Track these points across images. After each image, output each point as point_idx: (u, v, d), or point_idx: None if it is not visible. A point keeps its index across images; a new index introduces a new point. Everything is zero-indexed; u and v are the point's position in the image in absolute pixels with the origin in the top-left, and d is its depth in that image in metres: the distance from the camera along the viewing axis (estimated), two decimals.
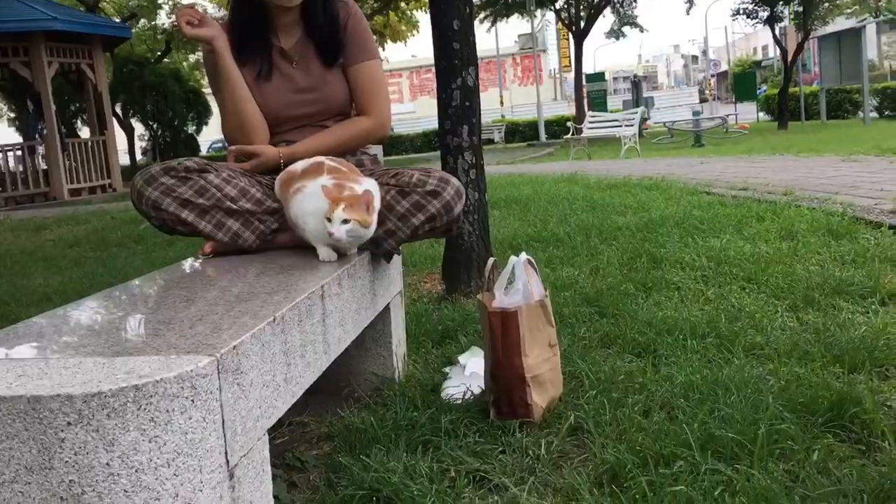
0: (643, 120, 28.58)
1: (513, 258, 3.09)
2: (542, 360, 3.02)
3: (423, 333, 4.13)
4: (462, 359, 3.55)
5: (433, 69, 5.14)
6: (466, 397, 3.14)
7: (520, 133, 42.05)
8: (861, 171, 9.94)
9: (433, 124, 35.10)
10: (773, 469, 2.30)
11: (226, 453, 1.72)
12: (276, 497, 2.40)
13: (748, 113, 39.76)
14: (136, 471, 1.54)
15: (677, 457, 2.40)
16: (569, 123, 25.47)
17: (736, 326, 3.73)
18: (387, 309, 3.34)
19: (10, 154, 20.95)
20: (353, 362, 3.37)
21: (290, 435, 3.07)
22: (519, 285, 3.08)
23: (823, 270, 4.71)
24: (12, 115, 35.78)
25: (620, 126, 21.75)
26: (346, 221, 2.65)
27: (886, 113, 32.29)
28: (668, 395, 2.94)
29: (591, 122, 23.12)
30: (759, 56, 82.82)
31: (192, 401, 1.62)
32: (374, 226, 2.78)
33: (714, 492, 2.18)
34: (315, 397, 3.24)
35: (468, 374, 3.38)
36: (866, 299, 4.14)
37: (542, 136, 37.85)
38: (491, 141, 38.27)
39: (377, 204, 2.82)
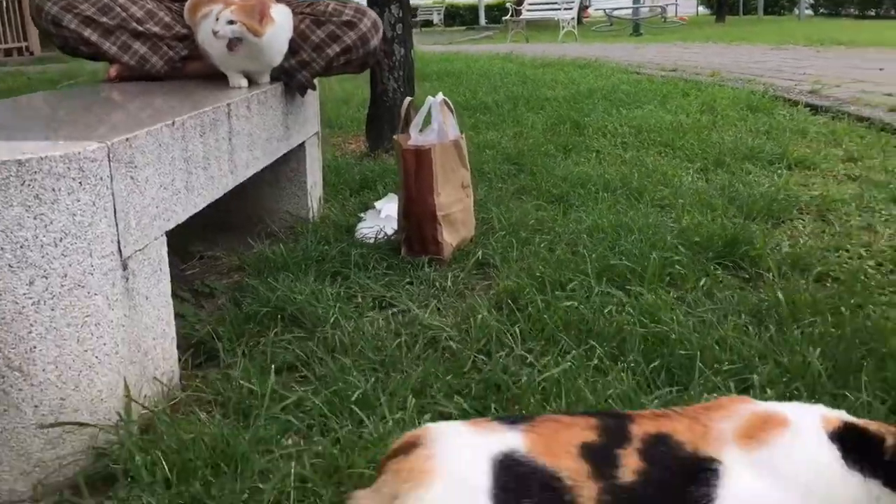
0: (583, 7, 28.15)
1: (429, 98, 3.07)
2: (454, 199, 3.06)
3: (343, 183, 4.13)
4: (378, 204, 3.57)
5: None
6: (379, 237, 3.17)
7: (460, 17, 41.03)
8: (787, 57, 10.10)
9: None
10: (663, 293, 2.42)
11: (118, 243, 1.72)
12: (182, 316, 2.43)
13: (689, 6, 39.55)
14: (20, 247, 1.53)
15: (574, 282, 2.50)
16: (508, 4, 24.93)
17: (647, 182, 3.83)
18: (302, 148, 3.31)
19: None
20: (267, 200, 3.35)
21: (201, 267, 3.07)
22: (434, 125, 3.08)
23: (737, 139, 4.84)
24: None
25: (559, 9, 21.41)
26: (231, 22, 2.58)
27: (822, 11, 32.57)
28: (573, 236, 3.03)
29: (530, 4, 22.69)
30: None
31: (80, 183, 1.60)
32: (273, 43, 2.71)
33: (604, 309, 2.28)
34: (228, 234, 3.25)
35: (383, 216, 3.40)
36: (773, 164, 4.29)
37: (482, 19, 37.09)
38: (430, 23, 37.30)
39: (284, 25, 2.75)
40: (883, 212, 3.42)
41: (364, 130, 5.27)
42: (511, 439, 1.22)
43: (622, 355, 2.03)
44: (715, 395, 1.78)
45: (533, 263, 2.74)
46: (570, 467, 1.18)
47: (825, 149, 4.61)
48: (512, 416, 1.34)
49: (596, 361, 1.97)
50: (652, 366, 1.95)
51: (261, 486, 1.58)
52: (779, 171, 4.15)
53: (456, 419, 1.83)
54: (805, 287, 2.48)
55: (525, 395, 1.84)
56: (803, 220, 3.34)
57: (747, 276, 2.66)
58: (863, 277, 2.61)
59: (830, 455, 1.17)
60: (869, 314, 2.22)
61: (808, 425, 1.21)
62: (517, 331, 2.21)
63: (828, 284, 2.58)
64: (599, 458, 1.19)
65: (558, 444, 1.21)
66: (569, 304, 2.30)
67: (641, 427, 1.23)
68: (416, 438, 1.26)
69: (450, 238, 3.01)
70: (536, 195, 3.73)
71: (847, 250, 2.94)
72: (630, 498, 1.17)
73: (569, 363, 1.95)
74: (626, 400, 1.81)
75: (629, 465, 1.18)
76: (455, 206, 3.06)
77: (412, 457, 1.22)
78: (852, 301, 2.31)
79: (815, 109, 5.78)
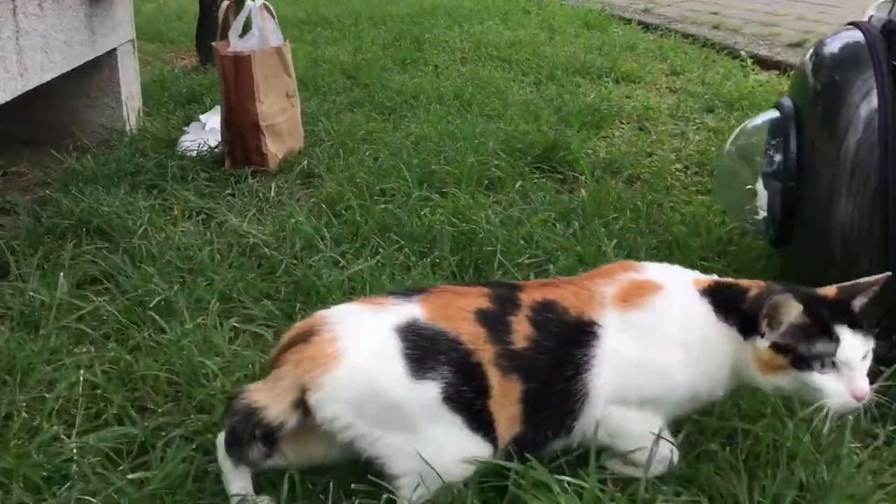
0: None
1: (248, 3, 2.94)
2: (278, 109, 2.98)
3: (169, 97, 3.92)
4: (203, 117, 3.42)
5: None
6: (202, 150, 3.05)
7: None
8: None
9: None
10: (481, 196, 2.48)
11: None
12: None
13: None
14: None
15: (394, 188, 2.51)
16: None
17: (480, 94, 3.86)
18: (113, 56, 3.10)
19: None
20: (78, 113, 3.14)
21: (4, 184, 2.86)
22: (255, 31, 2.96)
23: (571, 55, 4.94)
24: None
25: None
26: None
27: None
28: (400, 145, 3.02)
29: None
30: None
31: None
32: None
33: (420, 210, 2.31)
34: (35, 148, 3.03)
35: (208, 129, 3.26)
36: (602, 78, 4.42)
37: None
38: None
39: None
40: (696, 120, 3.61)
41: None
42: (409, 310, 1.25)
43: (431, 253, 2.06)
44: None
45: (357, 172, 2.72)
46: (468, 331, 1.23)
47: (651, 63, 4.79)
48: (405, 290, 1.35)
49: (402, 258, 2.00)
50: (455, 259, 1.99)
51: (46, 395, 1.52)
52: (606, 84, 4.28)
53: (262, 322, 1.83)
54: (614, 187, 2.59)
55: (331, 294, 1.85)
56: (623, 129, 3.47)
57: (563, 178, 2.75)
58: (668, 178, 2.76)
59: (700, 309, 1.27)
60: (664, 209, 2.35)
61: (679, 286, 1.31)
62: (332, 235, 2.21)
63: (636, 185, 2.72)
64: (494, 323, 1.25)
65: (455, 311, 1.25)
66: (383, 207, 2.30)
67: (530, 295, 1.30)
68: (310, 327, 1.26)
69: (275, 149, 2.93)
70: (369, 108, 3.69)
71: (658, 155, 3.10)
72: (523, 362, 1.23)
73: (374, 261, 1.96)
74: None
75: (521, 330, 1.24)
76: (279, 115, 2.97)
77: (313, 344, 1.22)
78: (650, 198, 2.44)
79: (646, 27, 5.97)
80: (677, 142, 3.26)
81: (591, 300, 1.28)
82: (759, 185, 1.76)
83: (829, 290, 1.26)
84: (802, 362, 1.19)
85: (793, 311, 1.19)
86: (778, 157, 1.63)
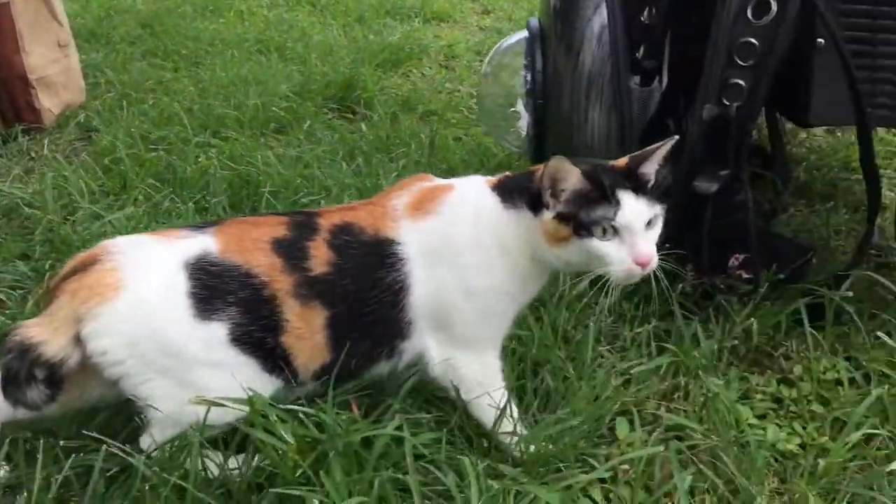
0: None
1: None
2: (49, 60, 2.75)
3: None
4: None
5: None
6: None
7: None
8: None
9: None
10: (270, 139, 2.40)
11: None
12: None
13: None
14: None
15: (172, 136, 2.39)
16: None
17: (283, 38, 3.73)
18: None
19: None
20: None
21: None
22: None
23: None
24: None
25: None
26: None
27: None
28: (190, 94, 2.88)
29: None
30: None
31: None
32: None
33: (196, 157, 2.21)
34: None
35: None
36: (412, 19, 4.39)
37: None
38: None
39: None
40: None
41: None
42: (201, 242, 1.17)
43: (204, 199, 1.98)
44: None
45: (135, 123, 2.56)
46: (263, 263, 1.17)
47: (463, 3, 4.80)
48: (200, 223, 1.28)
49: (169, 205, 1.90)
50: (227, 201, 1.93)
51: None
52: (416, 24, 4.25)
53: (10, 284, 1.70)
54: (407, 123, 2.58)
55: (88, 245, 1.73)
56: (427, 68, 3.46)
57: (357, 117, 2.71)
58: (465, 112, 2.79)
59: (489, 203, 1.23)
60: (449, 142, 2.36)
61: (471, 186, 1.27)
62: (101, 189, 2.08)
63: (431, 120, 2.72)
64: (290, 252, 1.18)
65: (249, 242, 1.19)
66: (156, 156, 2.19)
67: (328, 220, 1.24)
68: (92, 257, 1.16)
69: (49, 104, 2.71)
70: (162, 57, 3.49)
71: (460, 91, 3.11)
72: (326, 289, 1.18)
73: (140, 209, 1.87)
74: None
75: (319, 256, 1.19)
76: (51, 67, 2.75)
77: (91, 273, 1.13)
78: (440, 132, 2.44)
79: None
80: (477, 78, 3.29)
81: (384, 216, 1.24)
82: (520, 106, 1.78)
83: (620, 161, 1.24)
84: (583, 229, 1.16)
85: (570, 177, 1.16)
86: (529, 77, 1.65)
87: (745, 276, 1.60)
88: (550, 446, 1.24)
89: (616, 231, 1.17)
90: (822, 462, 1.27)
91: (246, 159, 2.17)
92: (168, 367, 1.14)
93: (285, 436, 1.10)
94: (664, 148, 1.21)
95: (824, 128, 2.54)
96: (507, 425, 1.24)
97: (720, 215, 1.49)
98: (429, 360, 1.25)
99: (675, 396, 1.44)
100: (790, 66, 1.53)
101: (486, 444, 1.27)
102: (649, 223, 1.19)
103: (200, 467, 1.13)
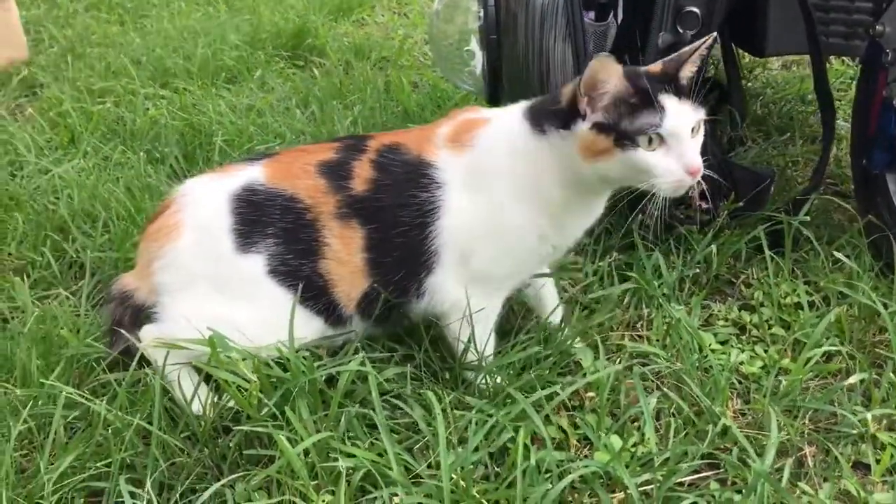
0: None
1: None
2: None
3: None
4: None
5: None
6: None
7: None
8: None
9: None
10: (223, 89, 2.34)
11: None
12: None
13: None
14: None
15: (121, 89, 2.32)
16: None
17: None
18: None
19: None
20: None
21: None
22: None
23: None
24: None
25: None
26: None
27: None
28: (138, 47, 2.79)
29: None
30: None
31: None
32: None
33: (146, 109, 2.15)
34: None
35: None
36: None
37: None
38: None
39: None
40: None
41: None
42: (250, 173, 1.20)
43: (156, 149, 1.93)
44: None
45: (85, 77, 2.48)
46: (307, 186, 1.18)
47: None
48: (260, 153, 1.33)
49: (119, 157, 1.85)
50: (168, 150, 1.88)
51: None
52: None
53: None
54: (361, 70, 2.53)
55: (28, 203, 1.68)
56: (381, 15, 3.39)
57: (309, 65, 2.65)
58: (419, 57, 2.74)
59: (521, 131, 1.17)
60: (404, 87, 2.31)
61: (507, 115, 1.22)
62: (49, 144, 2.01)
63: (385, 66, 2.67)
64: (335, 173, 1.19)
65: (297, 168, 1.20)
66: (101, 108, 2.12)
67: (378, 141, 1.23)
68: (168, 202, 1.24)
69: None
70: (107, 10, 3.37)
71: (412, 37, 3.05)
72: (364, 206, 1.17)
73: (90, 162, 1.81)
74: (153, 189, 1.73)
75: (361, 174, 1.18)
76: None
77: (161, 218, 1.21)
78: (394, 78, 2.39)
79: None
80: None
81: (428, 141, 1.22)
82: (474, 44, 1.75)
83: (653, 66, 1.15)
84: (627, 139, 1.07)
85: (612, 77, 1.08)
86: (481, 13, 1.62)
87: (705, 206, 1.61)
88: (516, 376, 1.24)
89: (662, 139, 1.09)
90: (783, 381, 1.29)
91: (197, 109, 2.11)
92: (224, 297, 1.17)
93: (248, 374, 1.08)
94: (701, 48, 1.13)
95: (780, 62, 2.55)
96: (472, 356, 1.24)
97: None
98: (442, 296, 1.22)
99: (639, 326, 1.45)
100: None
101: (451, 378, 1.26)
102: (694, 129, 1.12)
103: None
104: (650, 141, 1.08)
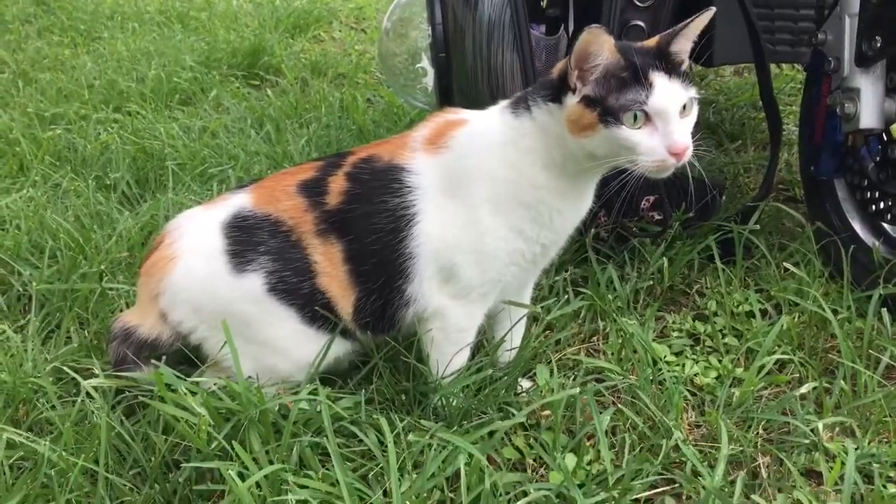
0: None
1: None
2: None
3: None
4: None
5: None
6: None
7: None
8: None
9: None
10: (177, 111, 2.32)
11: None
12: None
13: None
14: None
15: (72, 114, 2.28)
16: None
17: (185, 8, 3.60)
18: None
19: None
20: None
21: None
22: None
23: None
24: None
25: None
26: None
27: None
28: (90, 70, 2.76)
29: None
30: None
31: None
32: None
33: (97, 134, 2.12)
34: None
35: None
36: None
37: None
38: None
39: None
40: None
41: None
42: (237, 201, 1.20)
43: (106, 176, 1.90)
44: (194, 197, 1.75)
45: (36, 102, 2.45)
46: (288, 207, 1.18)
47: None
48: (246, 182, 1.32)
49: (65, 183, 1.82)
50: (118, 175, 1.86)
51: None
52: None
53: None
54: (318, 87, 2.52)
55: None
56: (338, 31, 3.39)
57: (265, 84, 2.64)
58: (376, 74, 2.74)
59: (500, 121, 1.16)
60: (358, 104, 2.31)
61: (487, 114, 1.20)
62: None
63: (341, 83, 2.66)
64: (312, 190, 1.19)
65: (279, 190, 1.20)
66: (51, 134, 2.09)
67: (357, 155, 1.22)
68: (162, 236, 1.23)
69: None
70: (59, 33, 3.33)
71: (368, 53, 3.05)
72: (339, 219, 1.17)
73: (38, 191, 1.78)
74: (103, 217, 1.70)
75: (335, 188, 1.18)
76: None
77: (157, 252, 1.21)
78: (350, 95, 2.39)
79: None
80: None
81: (404, 147, 1.20)
82: (425, 61, 1.75)
83: (649, 41, 1.12)
84: (611, 115, 1.04)
85: (603, 49, 1.04)
86: (430, 30, 1.62)
87: (657, 217, 1.62)
88: (471, 398, 1.23)
89: (648, 117, 1.05)
90: (736, 392, 1.29)
91: (149, 133, 2.08)
92: (231, 326, 1.14)
93: (196, 408, 1.06)
94: (698, 21, 1.09)
95: (732, 68, 2.58)
96: (435, 372, 1.24)
97: None
98: (423, 303, 1.20)
99: (595, 339, 1.45)
100: (691, 6, 1.54)
101: (407, 401, 1.25)
102: (684, 108, 1.08)
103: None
104: (635, 118, 1.05)
